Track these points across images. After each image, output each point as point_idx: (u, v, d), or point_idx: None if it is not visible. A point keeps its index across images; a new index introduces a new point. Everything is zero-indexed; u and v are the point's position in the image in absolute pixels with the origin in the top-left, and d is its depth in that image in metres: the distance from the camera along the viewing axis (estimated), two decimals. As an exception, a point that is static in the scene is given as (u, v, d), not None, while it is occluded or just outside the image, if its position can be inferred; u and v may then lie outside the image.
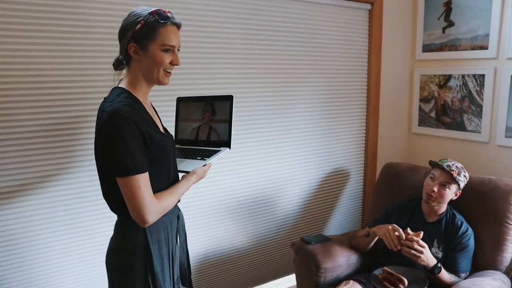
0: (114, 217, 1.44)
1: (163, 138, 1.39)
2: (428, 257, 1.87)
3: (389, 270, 1.96)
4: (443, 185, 2.00)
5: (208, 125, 1.66)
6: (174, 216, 1.49)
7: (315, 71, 2.50)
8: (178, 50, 1.40)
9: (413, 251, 1.85)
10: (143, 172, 1.27)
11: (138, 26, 1.30)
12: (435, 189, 1.99)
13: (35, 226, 1.78)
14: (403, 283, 1.88)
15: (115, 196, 1.35)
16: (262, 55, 2.28)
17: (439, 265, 1.90)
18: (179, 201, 1.47)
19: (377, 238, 2.07)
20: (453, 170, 1.99)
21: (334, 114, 2.63)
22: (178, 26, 1.37)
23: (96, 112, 1.44)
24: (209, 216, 2.25)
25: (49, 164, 1.77)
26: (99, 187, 1.43)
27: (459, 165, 2.04)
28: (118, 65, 1.41)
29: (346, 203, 2.82)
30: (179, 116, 1.77)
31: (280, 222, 2.54)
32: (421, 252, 1.85)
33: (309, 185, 2.61)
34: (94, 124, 1.41)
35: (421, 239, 1.89)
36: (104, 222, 1.94)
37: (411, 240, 1.87)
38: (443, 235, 2.03)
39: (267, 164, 2.41)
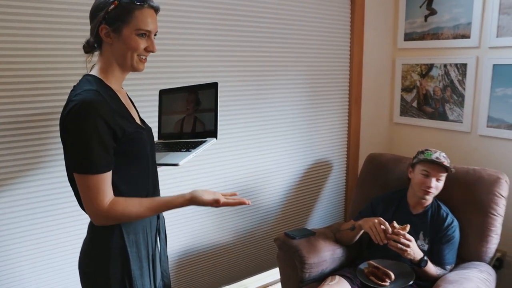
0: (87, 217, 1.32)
1: (138, 129, 1.28)
2: (415, 251, 1.84)
3: (375, 264, 1.91)
4: (439, 178, 1.97)
5: (193, 116, 1.56)
6: (154, 216, 1.38)
7: (296, 61, 2.42)
8: (155, 35, 1.28)
9: (399, 245, 1.81)
10: (100, 172, 1.16)
11: (112, 6, 1.19)
12: (433, 184, 1.96)
13: (1, 226, 1.64)
14: (389, 277, 1.84)
15: None
16: (242, 44, 2.18)
17: (425, 258, 1.87)
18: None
19: (362, 231, 2.02)
20: (443, 161, 1.96)
21: (316, 104, 2.57)
22: (156, 9, 1.26)
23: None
24: (187, 210, 2.15)
25: (16, 160, 1.63)
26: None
27: (442, 153, 2.02)
28: (88, 48, 1.29)
29: (329, 195, 2.77)
30: (162, 110, 1.66)
31: (262, 216, 2.46)
32: (408, 246, 1.81)
33: (291, 177, 2.54)
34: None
35: (407, 232, 1.85)
36: (76, 222, 1.82)
37: (398, 234, 1.83)
38: (429, 227, 2.01)
39: (248, 156, 2.32)
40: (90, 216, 1.21)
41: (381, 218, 1.89)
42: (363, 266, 1.96)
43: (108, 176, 1.18)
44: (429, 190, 1.96)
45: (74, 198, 1.28)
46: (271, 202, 2.48)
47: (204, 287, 2.34)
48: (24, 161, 1.65)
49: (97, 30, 1.22)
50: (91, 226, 1.30)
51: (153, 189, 1.37)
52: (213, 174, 2.21)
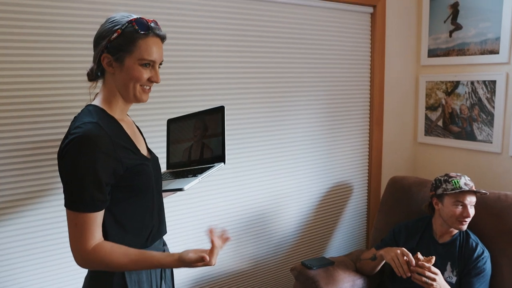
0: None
1: (144, 162, 1.22)
2: (441, 284, 1.69)
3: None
4: (472, 205, 1.84)
5: (200, 142, 1.50)
6: (159, 251, 1.30)
7: (315, 80, 2.33)
8: (160, 65, 1.22)
9: (424, 279, 1.67)
10: (88, 211, 1.08)
11: (115, 35, 1.13)
12: (471, 213, 1.82)
13: (8, 255, 1.60)
14: None
15: None
16: (258, 63, 2.11)
17: None
18: (165, 232, 1.30)
19: (384, 261, 1.89)
20: (472, 185, 1.83)
21: (335, 124, 2.46)
22: (161, 38, 1.20)
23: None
24: (199, 239, 2.07)
25: (22, 187, 1.60)
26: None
27: (466, 176, 1.90)
28: (92, 76, 1.23)
29: (349, 220, 2.64)
30: (170, 139, 1.61)
31: (278, 243, 2.36)
32: (434, 280, 1.67)
33: (309, 202, 2.43)
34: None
35: (433, 264, 1.71)
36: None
37: (422, 267, 1.69)
38: (457, 258, 1.86)
39: (263, 180, 2.23)
40: (73, 255, 1.12)
41: (404, 249, 1.76)
42: None
43: (98, 216, 1.11)
44: (467, 220, 1.82)
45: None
46: (288, 227, 2.37)
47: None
48: (25, 189, 1.62)
49: (99, 59, 1.17)
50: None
51: (158, 224, 1.30)
52: (228, 200, 2.12)
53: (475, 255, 1.82)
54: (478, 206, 1.91)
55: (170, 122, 1.64)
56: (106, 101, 1.20)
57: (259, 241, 2.28)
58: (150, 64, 1.18)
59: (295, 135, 2.31)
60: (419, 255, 1.73)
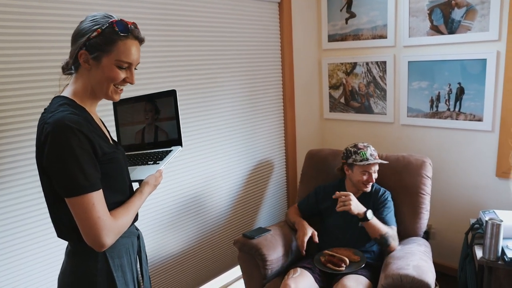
0: (60, 246, 1.27)
1: (115, 150, 1.26)
2: (357, 205, 2.05)
3: (330, 253, 2.08)
4: (375, 171, 2.19)
5: (153, 125, 1.54)
6: (135, 236, 1.36)
7: (233, 66, 2.49)
8: (135, 67, 1.26)
9: (342, 203, 2.02)
10: (97, 189, 1.13)
11: (94, 33, 1.16)
12: (373, 178, 2.18)
13: None
14: (345, 262, 2.01)
15: (66, 221, 1.17)
16: (179, 52, 2.19)
17: (368, 211, 2.05)
18: (136, 219, 1.36)
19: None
20: (376, 154, 2.19)
21: (254, 108, 2.67)
22: (140, 41, 1.23)
23: (34, 126, 1.26)
24: (142, 223, 2.12)
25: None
26: (42, 210, 1.24)
27: (371, 146, 2.25)
28: (67, 69, 1.24)
29: (272, 192, 2.89)
30: (118, 121, 1.61)
31: (215, 220, 2.51)
32: (349, 199, 2.02)
33: (237, 180, 2.61)
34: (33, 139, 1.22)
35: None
36: (50, 250, 1.72)
37: (338, 197, 2.05)
38: (370, 205, 2.20)
39: (195, 164, 2.35)
40: (94, 239, 1.13)
41: (307, 232, 2.17)
42: (319, 255, 2.12)
43: (102, 193, 1.16)
44: (368, 185, 2.19)
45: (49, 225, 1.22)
46: (222, 206, 2.54)
47: (164, 298, 2.33)
48: None
49: (76, 55, 1.18)
50: (71, 255, 1.24)
51: None
52: (164, 184, 2.20)
53: (379, 194, 2.23)
54: (383, 167, 2.29)
55: (117, 104, 1.62)
56: (77, 94, 1.21)
57: (198, 221, 2.40)
58: (127, 66, 1.21)
59: (219, 120, 2.45)
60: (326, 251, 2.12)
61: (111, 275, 1.23)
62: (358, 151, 2.20)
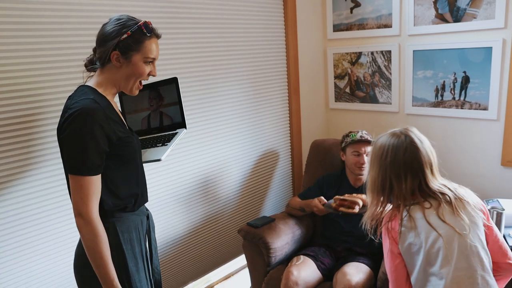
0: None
1: (130, 135, 1.39)
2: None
3: (341, 197, 2.06)
4: (368, 154, 2.20)
5: (158, 111, 1.66)
6: (144, 215, 1.48)
7: (238, 57, 2.51)
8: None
9: (349, 205, 2.02)
10: (91, 174, 1.25)
11: (124, 36, 1.32)
12: (365, 160, 2.18)
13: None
14: (358, 204, 1.99)
15: None
16: (185, 44, 2.22)
17: None
18: (146, 200, 1.48)
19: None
20: (367, 137, 2.22)
21: (259, 97, 2.69)
22: (158, 37, 1.41)
23: (57, 110, 1.48)
24: (152, 206, 2.17)
25: (7, 163, 1.62)
26: (62, 187, 1.43)
27: (364, 130, 2.28)
28: (90, 66, 1.40)
29: (278, 182, 2.92)
30: (125, 110, 1.72)
31: (222, 207, 2.55)
32: (356, 204, 2.01)
33: (244, 168, 2.65)
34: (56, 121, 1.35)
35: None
36: (71, 225, 1.83)
37: (345, 199, 2.04)
38: None
39: (202, 152, 2.39)
40: (75, 215, 1.26)
41: (320, 197, 2.17)
42: (329, 202, 2.12)
43: (98, 180, 1.27)
44: (363, 166, 2.20)
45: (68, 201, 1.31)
46: (229, 193, 2.57)
47: (173, 285, 2.39)
48: (13, 164, 1.63)
49: (109, 55, 1.33)
50: None
51: (142, 191, 1.46)
52: (171, 172, 2.24)
53: None
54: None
55: (122, 93, 1.72)
56: (100, 85, 1.37)
57: (204, 209, 2.44)
58: (151, 61, 1.38)
59: (226, 110, 2.48)
60: (337, 196, 2.08)
61: (121, 247, 1.34)
62: (349, 134, 2.27)
